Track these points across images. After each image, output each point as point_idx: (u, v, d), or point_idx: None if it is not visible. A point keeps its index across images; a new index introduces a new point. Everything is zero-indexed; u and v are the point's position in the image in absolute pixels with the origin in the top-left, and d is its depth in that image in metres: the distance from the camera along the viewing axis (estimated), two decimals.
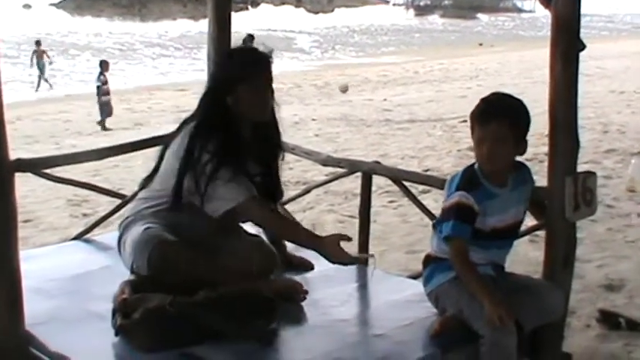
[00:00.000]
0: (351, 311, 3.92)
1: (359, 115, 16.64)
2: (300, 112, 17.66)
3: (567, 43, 3.55)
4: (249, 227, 4.27)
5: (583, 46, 3.65)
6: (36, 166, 4.82)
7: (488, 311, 3.34)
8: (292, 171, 10.27)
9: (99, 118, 17.79)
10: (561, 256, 3.71)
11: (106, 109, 18.05)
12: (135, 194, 4.37)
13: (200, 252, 3.83)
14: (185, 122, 4.00)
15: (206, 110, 3.95)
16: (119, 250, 4.00)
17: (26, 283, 3.22)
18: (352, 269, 4.34)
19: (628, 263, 6.59)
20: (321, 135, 14.52)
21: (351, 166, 4.80)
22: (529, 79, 21.77)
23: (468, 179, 3.58)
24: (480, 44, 38.66)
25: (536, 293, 3.64)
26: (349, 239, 3.76)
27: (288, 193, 7.20)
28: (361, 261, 3.97)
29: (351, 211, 8.24)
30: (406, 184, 4.55)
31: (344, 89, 21.17)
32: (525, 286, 3.66)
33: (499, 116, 3.52)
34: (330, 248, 3.70)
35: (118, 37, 39.77)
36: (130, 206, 4.22)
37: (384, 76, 24.90)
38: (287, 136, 12.96)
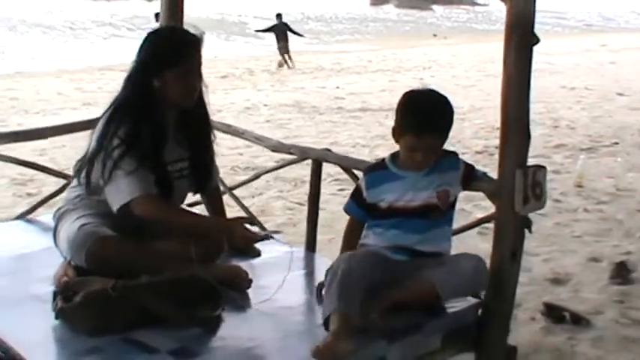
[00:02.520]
0: (296, 298, 3.88)
1: (311, 102, 16.58)
2: (253, 98, 17.57)
3: (521, 37, 3.53)
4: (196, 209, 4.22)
5: (537, 40, 3.63)
6: None
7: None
8: (242, 157, 10.23)
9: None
10: (509, 249, 3.69)
11: None
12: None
13: (139, 241, 3.77)
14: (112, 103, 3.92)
15: (128, 92, 3.86)
16: (54, 241, 3.92)
17: None
18: (301, 257, 4.33)
19: (574, 257, 6.64)
20: (272, 121, 14.44)
21: (301, 153, 4.75)
22: (482, 72, 21.89)
23: (374, 164, 3.88)
24: (434, 35, 38.80)
25: (453, 264, 3.65)
26: (252, 223, 3.90)
27: (237, 179, 7.19)
28: (262, 238, 3.94)
29: (300, 198, 8.21)
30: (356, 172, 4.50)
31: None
32: (443, 261, 3.69)
33: (435, 130, 3.63)
34: (238, 230, 3.74)
35: (69, 15, 39.23)
36: (64, 195, 4.15)
37: (337, 64, 24.83)
38: (238, 122, 13.03)
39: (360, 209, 3.73)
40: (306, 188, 4.92)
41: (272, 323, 3.61)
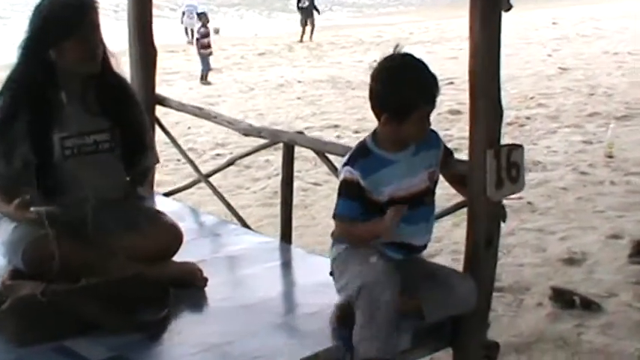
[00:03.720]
0: (256, 296, 3.58)
1: (346, 77, 16.25)
2: (287, 74, 17.31)
3: (486, 2, 3.17)
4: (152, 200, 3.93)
5: (509, 6, 3.27)
6: None
7: (385, 224, 3.08)
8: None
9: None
10: (483, 237, 3.35)
11: (205, 63, 17.48)
12: None
13: (82, 239, 3.48)
14: None
15: (22, 67, 3.60)
16: None
17: None
18: (265, 249, 4.03)
19: (593, 235, 6.27)
20: (303, 98, 14.16)
21: (272, 137, 4.43)
22: (525, 39, 21.32)
23: (356, 150, 3.24)
24: None
25: (444, 283, 3.27)
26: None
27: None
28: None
29: (317, 178, 7.96)
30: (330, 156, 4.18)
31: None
32: (434, 275, 3.30)
33: (436, 94, 3.18)
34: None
35: None
36: None
37: (378, 37, 24.36)
38: (270, 99, 12.92)
39: (356, 203, 3.15)
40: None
41: (222, 325, 3.31)
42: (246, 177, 8.68)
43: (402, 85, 3.10)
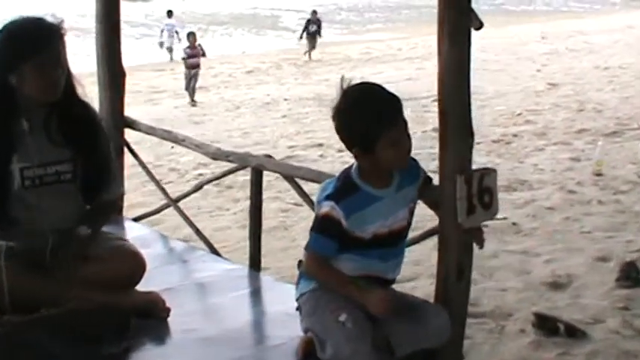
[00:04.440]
0: (220, 327, 3.45)
1: (333, 95, 15.95)
2: (274, 92, 17.21)
3: (455, 20, 3.03)
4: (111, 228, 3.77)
5: (479, 25, 3.14)
6: None
7: (370, 302, 2.98)
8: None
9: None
10: (454, 266, 3.19)
11: (187, 83, 17.37)
12: None
13: (40, 270, 3.32)
14: None
15: None
16: None
17: None
18: (232, 277, 3.89)
19: (579, 257, 6.12)
20: (289, 116, 14.06)
21: (241, 161, 4.28)
22: (513, 55, 21.30)
23: (343, 185, 3.08)
24: None
25: (416, 315, 3.12)
26: None
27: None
28: None
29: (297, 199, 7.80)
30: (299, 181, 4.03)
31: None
32: (406, 306, 3.14)
33: (401, 110, 3.06)
34: None
35: None
36: None
37: (366, 53, 24.30)
38: (256, 117, 12.80)
39: (335, 242, 3.03)
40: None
41: (181, 357, 3.17)
42: (226, 197, 8.55)
43: (357, 118, 3.00)
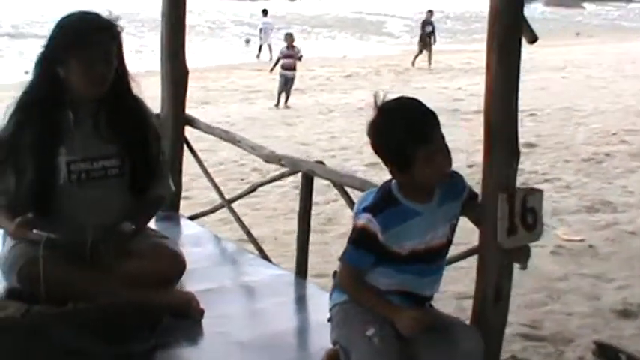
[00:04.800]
0: (251, 333, 3.41)
1: (428, 103, 15.95)
2: (369, 98, 17.01)
3: (504, 33, 2.94)
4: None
5: (534, 38, 3.03)
6: None
7: (400, 321, 2.90)
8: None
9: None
10: (492, 288, 3.08)
11: (284, 83, 17.06)
12: None
13: (79, 264, 3.35)
14: None
15: (32, 82, 3.50)
16: None
17: None
18: (275, 282, 3.85)
19: None
20: None
21: (292, 166, 4.25)
22: (619, 72, 20.77)
23: (382, 198, 3.00)
24: (577, 34, 37.25)
25: (449, 336, 3.01)
26: None
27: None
28: None
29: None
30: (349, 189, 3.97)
31: None
32: (439, 326, 3.03)
33: (436, 126, 2.97)
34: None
35: (209, 15, 39.66)
36: None
37: (467, 63, 24.00)
38: (347, 122, 12.90)
39: (371, 256, 2.96)
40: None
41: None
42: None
43: (391, 136, 2.92)
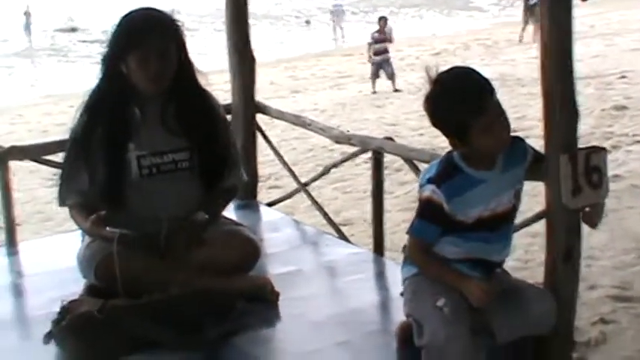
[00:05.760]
0: (327, 312, 3.45)
1: (517, 75, 15.83)
2: None
3: None
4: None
5: None
6: None
7: (469, 292, 2.90)
8: None
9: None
10: (562, 249, 3.07)
11: (376, 69, 16.74)
12: None
13: (154, 257, 3.44)
14: None
15: (98, 79, 3.60)
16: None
17: None
18: (353, 261, 3.89)
19: None
20: None
21: (362, 144, 4.28)
22: None
23: (445, 168, 3.01)
24: None
25: (520, 300, 3.02)
26: None
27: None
28: None
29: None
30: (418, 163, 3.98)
31: None
32: (510, 291, 3.04)
33: (491, 95, 2.94)
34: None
35: (296, 4, 39.83)
36: None
37: None
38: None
39: (437, 227, 2.98)
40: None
41: (285, 343, 3.24)
42: (393, 180, 8.52)
43: (446, 107, 2.92)
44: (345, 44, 25.85)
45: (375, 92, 16.34)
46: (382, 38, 17.42)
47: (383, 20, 17.91)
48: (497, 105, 2.94)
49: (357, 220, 7.10)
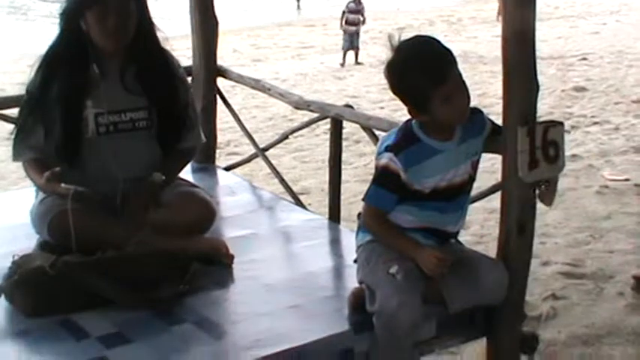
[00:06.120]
0: (280, 276, 3.45)
1: (479, 52, 15.89)
2: None
3: None
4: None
5: None
6: None
7: (422, 260, 2.91)
8: None
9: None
10: (515, 222, 3.09)
11: (349, 40, 16.58)
12: None
13: (109, 215, 3.43)
14: None
15: (56, 36, 3.55)
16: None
17: None
18: (308, 227, 3.91)
19: None
20: None
21: (321, 111, 4.27)
22: None
23: (403, 137, 3.02)
24: None
25: (473, 270, 3.04)
26: None
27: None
28: None
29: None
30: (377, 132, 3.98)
31: None
32: (463, 261, 3.06)
33: (452, 65, 2.97)
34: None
35: None
36: None
37: None
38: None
39: (393, 195, 2.98)
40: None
41: (235, 305, 3.25)
42: (352, 152, 8.54)
43: (406, 76, 2.93)
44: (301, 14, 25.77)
45: (343, 65, 16.24)
46: (358, 9, 17.20)
47: None
48: (458, 76, 2.95)
49: (315, 190, 7.11)
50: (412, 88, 2.92)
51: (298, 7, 27.32)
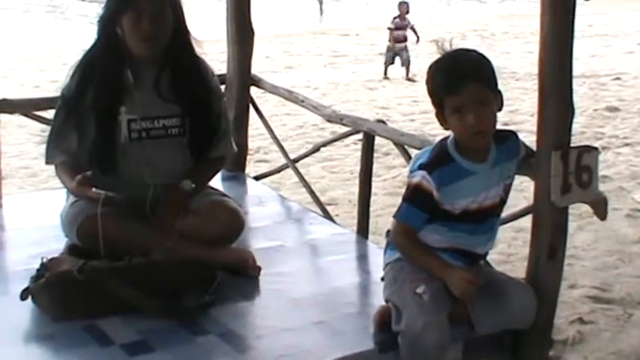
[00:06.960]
0: (306, 290, 3.44)
1: (512, 68, 15.74)
2: None
3: None
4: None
5: None
6: None
7: (452, 281, 2.89)
8: None
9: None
10: (546, 246, 3.07)
11: (392, 56, 15.89)
12: None
13: (138, 221, 3.44)
14: None
15: (93, 42, 3.57)
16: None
17: None
18: (336, 241, 3.88)
19: None
20: None
21: (354, 125, 4.26)
22: None
23: (437, 155, 3.01)
24: None
25: (502, 293, 3.02)
26: None
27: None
28: None
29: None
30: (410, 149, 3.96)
31: None
32: (492, 283, 3.04)
33: (468, 80, 2.91)
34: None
35: None
36: None
37: None
38: (419, 88, 12.53)
39: (424, 214, 2.97)
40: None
41: (260, 319, 3.24)
42: (381, 164, 8.50)
43: (430, 80, 2.99)
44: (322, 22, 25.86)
45: (387, 78, 15.95)
46: (403, 25, 16.50)
47: (403, 5, 16.74)
48: (474, 94, 2.90)
49: (342, 201, 7.08)
50: (432, 92, 2.98)
51: (321, 12, 27.35)
